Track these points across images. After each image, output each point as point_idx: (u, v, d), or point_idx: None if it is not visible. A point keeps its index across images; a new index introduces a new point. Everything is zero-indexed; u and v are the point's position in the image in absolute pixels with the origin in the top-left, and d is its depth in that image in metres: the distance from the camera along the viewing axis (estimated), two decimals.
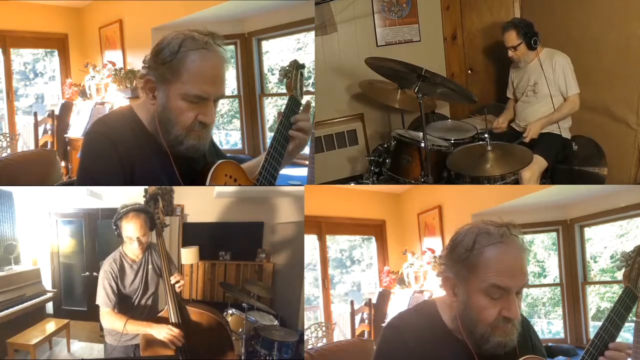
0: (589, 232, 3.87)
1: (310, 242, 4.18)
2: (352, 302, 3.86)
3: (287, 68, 1.77)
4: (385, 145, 3.17)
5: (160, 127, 1.55)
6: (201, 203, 3.49)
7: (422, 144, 2.93)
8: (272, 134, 1.70)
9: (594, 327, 3.77)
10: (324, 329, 3.87)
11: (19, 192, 3.60)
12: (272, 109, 5.37)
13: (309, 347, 3.43)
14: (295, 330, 3.00)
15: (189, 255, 3.17)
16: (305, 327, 3.52)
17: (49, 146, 5.06)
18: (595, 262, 3.86)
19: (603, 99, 3.19)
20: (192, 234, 3.47)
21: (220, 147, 1.93)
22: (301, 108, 1.76)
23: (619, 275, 1.45)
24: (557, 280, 3.99)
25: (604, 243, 3.79)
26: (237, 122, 5.60)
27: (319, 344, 3.67)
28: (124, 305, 2.21)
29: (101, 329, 2.26)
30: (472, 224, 1.31)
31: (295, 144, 1.71)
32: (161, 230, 2.16)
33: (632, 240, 3.55)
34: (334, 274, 4.74)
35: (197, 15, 4.42)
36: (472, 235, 1.27)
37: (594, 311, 3.82)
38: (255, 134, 5.41)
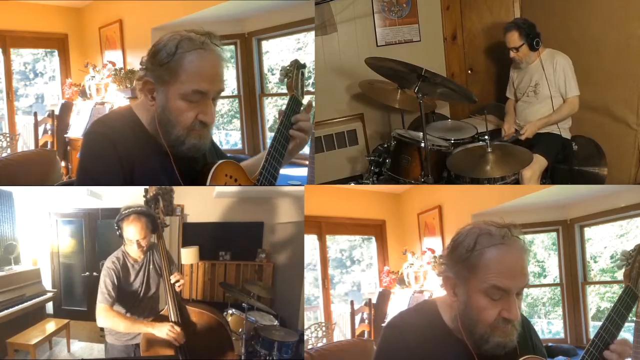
0: (589, 232, 3.87)
1: (310, 242, 4.18)
2: (352, 302, 3.86)
3: (288, 68, 1.77)
4: (385, 145, 3.17)
5: (161, 128, 1.55)
6: (201, 203, 3.49)
7: (422, 144, 2.93)
8: (272, 134, 1.70)
9: (594, 327, 3.77)
10: (324, 329, 3.87)
11: (19, 192, 3.60)
12: (272, 109, 5.37)
13: (309, 347, 3.43)
14: (295, 330, 3.00)
15: (189, 255, 3.17)
16: (305, 327, 3.52)
17: (49, 146, 5.05)
18: (595, 262, 3.86)
19: (603, 99, 3.19)
20: (192, 234, 3.47)
21: (220, 147, 1.93)
22: (302, 108, 1.77)
23: (619, 275, 1.45)
24: (557, 280, 3.99)
25: (604, 243, 3.79)
26: (237, 122, 5.60)
27: (319, 344, 3.67)
28: (125, 304, 2.21)
29: (101, 329, 2.26)
30: (474, 225, 1.31)
31: (296, 143, 1.71)
32: (162, 230, 2.16)
33: (632, 240, 3.55)
34: (334, 274, 4.74)
35: (197, 15, 4.42)
36: (474, 235, 1.27)
37: (594, 311, 3.82)
38: (255, 134, 5.41)
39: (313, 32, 4.04)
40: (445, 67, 4.17)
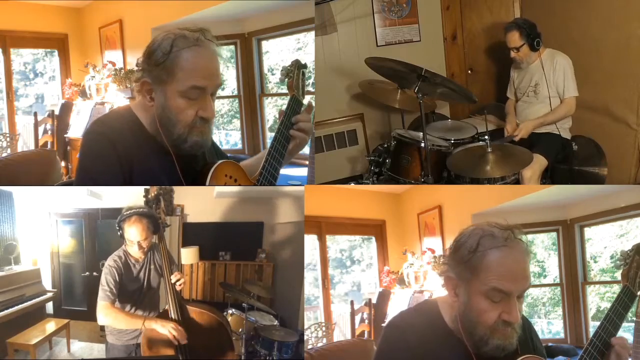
0: (589, 232, 3.87)
1: (310, 242, 4.18)
2: (352, 302, 3.86)
3: (289, 68, 1.77)
4: (385, 145, 3.17)
5: (162, 128, 1.55)
6: (201, 203, 3.49)
7: (422, 144, 2.93)
8: (273, 134, 1.71)
9: (593, 327, 3.76)
10: (324, 329, 3.87)
11: (19, 192, 3.60)
12: (272, 109, 5.37)
13: (309, 347, 3.43)
14: (295, 330, 3.00)
15: (189, 255, 3.17)
16: (305, 327, 3.52)
17: (49, 146, 5.05)
18: (595, 262, 3.86)
19: (603, 99, 3.19)
20: (192, 234, 3.47)
21: (220, 146, 1.93)
22: (302, 108, 1.77)
23: (619, 275, 1.45)
24: (557, 280, 3.99)
25: (604, 243, 3.79)
26: (237, 122, 5.61)
27: (319, 344, 3.67)
28: (127, 302, 2.21)
29: (101, 329, 2.26)
30: (477, 225, 1.30)
31: (296, 143, 1.72)
32: (163, 230, 2.16)
33: (632, 240, 3.55)
34: (334, 274, 4.74)
35: (197, 15, 4.43)
36: (476, 236, 1.26)
37: (594, 311, 3.82)
38: (255, 134, 5.41)
39: (313, 32, 4.04)
40: (445, 67, 4.17)
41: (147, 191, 2.14)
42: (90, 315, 3.48)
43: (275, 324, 3.04)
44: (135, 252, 2.20)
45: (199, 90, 1.53)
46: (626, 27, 2.98)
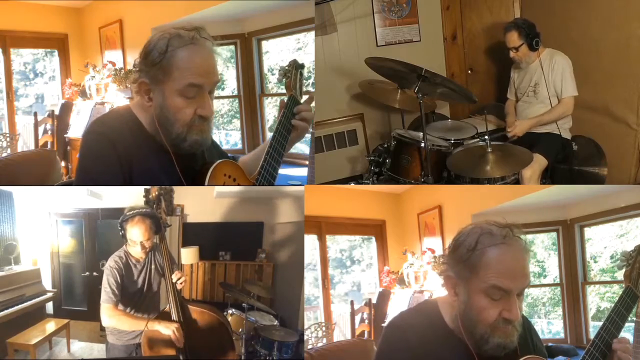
0: (589, 232, 3.87)
1: (310, 242, 4.18)
2: (352, 302, 3.86)
3: (286, 68, 1.78)
4: (385, 145, 3.17)
5: (161, 128, 1.55)
6: (201, 203, 3.49)
7: (422, 144, 2.93)
8: (272, 134, 1.71)
9: (594, 327, 3.77)
10: (324, 329, 3.87)
11: (19, 192, 3.60)
12: (272, 109, 5.37)
13: (309, 347, 3.43)
14: (295, 330, 3.00)
15: (189, 255, 3.17)
16: (305, 327, 3.51)
17: (49, 146, 5.05)
18: (595, 262, 3.86)
19: (603, 99, 3.19)
20: (192, 234, 3.47)
21: (220, 146, 1.93)
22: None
23: (619, 275, 1.45)
24: (557, 280, 4.00)
25: (604, 243, 3.79)
26: (237, 122, 5.61)
27: (319, 344, 3.67)
28: (128, 303, 2.21)
29: (101, 329, 2.26)
30: (476, 224, 1.31)
31: (297, 133, 1.75)
32: (164, 230, 2.16)
33: (632, 240, 3.55)
34: (334, 274, 4.73)
35: (197, 15, 4.42)
36: (475, 235, 1.27)
37: (594, 311, 3.82)
38: (255, 134, 5.41)
39: (313, 32, 4.04)
40: (445, 67, 4.18)
41: (147, 191, 2.14)
42: (90, 315, 3.49)
43: (275, 324, 3.03)
44: (137, 252, 2.20)
45: (196, 88, 1.53)
46: (626, 27, 2.98)
